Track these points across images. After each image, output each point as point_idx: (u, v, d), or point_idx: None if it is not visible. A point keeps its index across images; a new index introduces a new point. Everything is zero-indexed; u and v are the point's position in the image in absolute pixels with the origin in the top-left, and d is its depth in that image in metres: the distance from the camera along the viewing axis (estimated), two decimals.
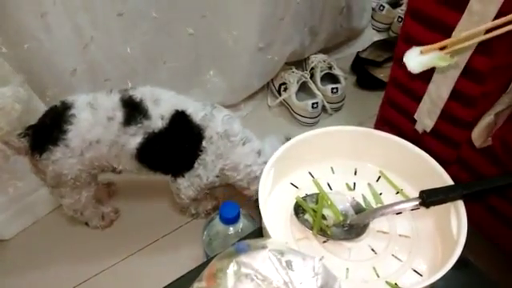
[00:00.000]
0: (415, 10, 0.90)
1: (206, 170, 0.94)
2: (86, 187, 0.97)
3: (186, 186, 0.96)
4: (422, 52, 0.67)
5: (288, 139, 0.98)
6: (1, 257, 1.05)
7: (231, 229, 0.80)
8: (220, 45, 1.19)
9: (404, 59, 0.67)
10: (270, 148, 0.95)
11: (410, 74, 0.95)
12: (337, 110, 1.41)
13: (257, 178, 0.93)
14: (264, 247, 0.43)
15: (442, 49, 0.68)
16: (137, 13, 1.03)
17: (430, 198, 0.59)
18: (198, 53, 1.18)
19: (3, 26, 0.90)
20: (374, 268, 0.59)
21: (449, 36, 0.81)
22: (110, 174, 0.99)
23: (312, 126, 1.36)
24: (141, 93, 0.90)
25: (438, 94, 0.89)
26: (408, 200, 0.62)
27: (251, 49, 1.20)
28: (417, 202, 0.60)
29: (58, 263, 1.04)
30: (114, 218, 1.11)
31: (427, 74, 0.90)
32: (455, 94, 0.87)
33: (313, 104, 1.31)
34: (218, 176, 0.95)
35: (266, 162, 0.91)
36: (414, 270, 0.59)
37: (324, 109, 1.37)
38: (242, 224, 0.79)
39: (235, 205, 0.77)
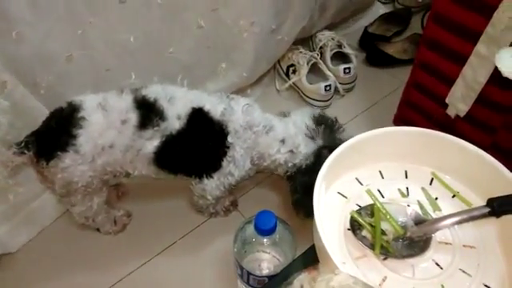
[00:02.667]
0: (439, 14, 0.85)
1: (236, 167, 0.89)
2: (98, 193, 0.91)
3: (215, 186, 0.91)
4: None
5: (317, 117, 0.91)
6: (8, 271, 0.98)
7: (265, 240, 0.74)
8: (233, 37, 1.10)
9: (497, 64, 0.62)
10: (295, 128, 0.89)
11: (440, 55, 0.91)
12: (349, 90, 1.34)
13: (281, 165, 0.90)
14: None
15: None
16: (140, 1, 0.94)
17: (501, 208, 0.53)
18: (209, 45, 1.09)
19: None
20: (443, 286, 0.54)
21: (474, 40, 0.79)
22: None
23: (324, 108, 1.29)
24: (154, 92, 0.84)
25: (474, 77, 0.83)
26: (475, 209, 0.56)
27: (264, 33, 1.11)
28: (485, 211, 0.54)
29: (71, 275, 0.97)
30: (126, 221, 1.05)
31: (460, 56, 0.84)
32: (493, 78, 0.81)
33: (326, 87, 1.24)
34: (249, 169, 0.91)
35: (290, 151, 0.89)
36: (486, 286, 0.54)
37: (336, 90, 1.30)
38: (279, 233, 0.73)
39: (271, 214, 0.71)
